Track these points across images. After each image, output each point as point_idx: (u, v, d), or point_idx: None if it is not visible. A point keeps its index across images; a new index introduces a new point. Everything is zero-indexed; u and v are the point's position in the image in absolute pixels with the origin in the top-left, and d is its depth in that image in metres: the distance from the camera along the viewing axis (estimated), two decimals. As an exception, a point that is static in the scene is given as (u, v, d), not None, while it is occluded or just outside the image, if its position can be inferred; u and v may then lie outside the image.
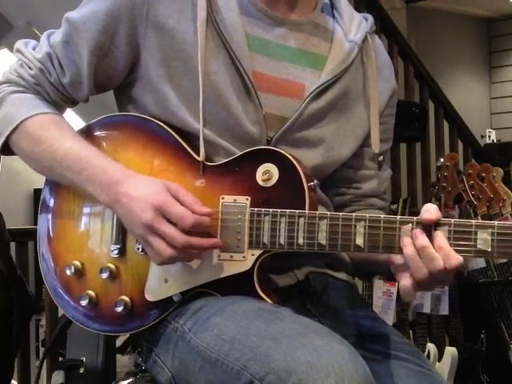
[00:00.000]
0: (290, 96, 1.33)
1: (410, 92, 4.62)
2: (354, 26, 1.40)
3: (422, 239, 1.12)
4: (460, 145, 4.91)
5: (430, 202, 3.08)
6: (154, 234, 1.17)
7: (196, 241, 1.18)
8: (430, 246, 1.12)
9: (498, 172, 2.98)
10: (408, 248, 1.13)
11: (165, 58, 1.28)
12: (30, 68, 1.33)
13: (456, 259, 1.11)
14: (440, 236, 1.12)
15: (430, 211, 1.13)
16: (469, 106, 6.93)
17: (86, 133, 1.34)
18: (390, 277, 1.36)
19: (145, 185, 1.21)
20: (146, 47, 1.29)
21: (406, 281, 1.15)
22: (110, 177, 1.22)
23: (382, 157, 1.50)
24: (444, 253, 1.11)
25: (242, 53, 1.28)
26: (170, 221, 1.17)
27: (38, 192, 4.81)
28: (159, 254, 1.18)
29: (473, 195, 2.97)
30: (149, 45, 1.28)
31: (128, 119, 1.34)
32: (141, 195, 1.19)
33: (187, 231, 1.17)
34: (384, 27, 4.48)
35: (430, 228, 1.13)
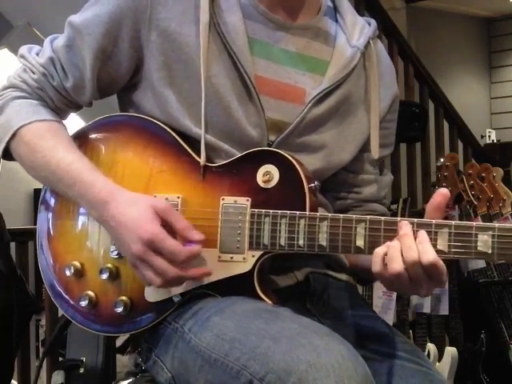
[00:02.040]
0: (290, 101, 1.33)
1: (410, 92, 4.62)
2: (356, 30, 1.39)
3: (406, 229, 1.12)
4: (460, 145, 4.92)
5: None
6: (144, 264, 1.18)
7: (187, 273, 1.19)
8: (411, 236, 1.11)
9: (498, 172, 2.99)
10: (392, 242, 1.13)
11: (166, 61, 1.28)
12: (33, 73, 1.33)
13: (432, 255, 1.09)
14: (423, 232, 1.12)
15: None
16: (469, 106, 6.94)
17: (86, 133, 1.34)
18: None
19: (131, 208, 1.19)
20: (149, 50, 1.28)
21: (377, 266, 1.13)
22: (96, 194, 1.22)
23: (383, 161, 1.49)
24: (422, 247, 1.10)
25: (245, 57, 1.28)
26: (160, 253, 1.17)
27: (38, 192, 4.78)
28: (149, 281, 1.19)
29: (473, 195, 2.98)
30: (151, 47, 1.28)
31: (128, 119, 1.34)
32: (128, 223, 1.18)
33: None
34: (384, 27, 4.49)
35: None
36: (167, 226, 1.18)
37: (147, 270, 1.17)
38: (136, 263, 1.18)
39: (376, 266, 1.13)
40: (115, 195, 1.22)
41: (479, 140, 5.50)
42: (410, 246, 1.10)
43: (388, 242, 1.13)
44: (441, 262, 1.10)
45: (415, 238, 1.11)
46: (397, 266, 1.10)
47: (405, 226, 1.12)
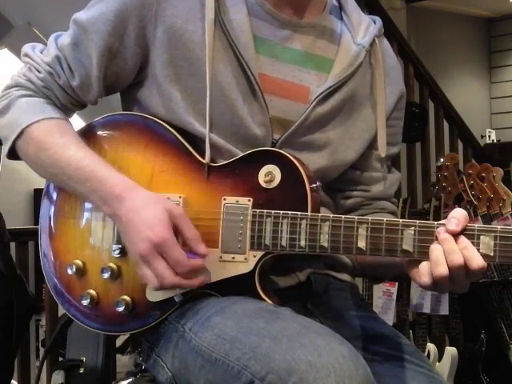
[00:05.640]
0: (294, 99, 1.32)
1: (410, 92, 4.62)
2: (361, 28, 1.39)
3: (445, 234, 1.11)
4: (460, 145, 4.92)
5: (429, 202, 3.07)
6: (146, 264, 1.17)
7: (184, 283, 1.18)
8: (452, 240, 1.10)
9: (498, 172, 2.99)
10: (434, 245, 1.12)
11: (172, 58, 1.28)
12: (38, 71, 1.32)
13: (481, 260, 1.09)
14: (464, 238, 1.11)
15: (458, 221, 1.11)
16: (469, 106, 6.94)
17: (89, 131, 1.34)
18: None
19: (147, 208, 1.19)
20: (154, 46, 1.28)
21: (425, 277, 1.13)
22: (111, 189, 1.21)
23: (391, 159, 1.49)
24: (469, 253, 1.10)
25: (249, 54, 1.28)
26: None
27: (38, 192, 4.81)
28: (148, 282, 1.19)
29: (473, 195, 2.98)
30: (157, 44, 1.28)
31: (130, 118, 1.34)
32: (142, 222, 1.17)
33: None
34: (384, 27, 4.48)
35: None
36: (177, 231, 1.18)
37: (147, 269, 1.17)
38: (138, 261, 1.18)
39: (425, 278, 1.13)
40: (131, 192, 1.21)
41: (479, 140, 5.50)
42: (454, 250, 1.10)
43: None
44: (483, 264, 1.10)
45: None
46: (443, 269, 1.10)
47: (442, 232, 1.12)
